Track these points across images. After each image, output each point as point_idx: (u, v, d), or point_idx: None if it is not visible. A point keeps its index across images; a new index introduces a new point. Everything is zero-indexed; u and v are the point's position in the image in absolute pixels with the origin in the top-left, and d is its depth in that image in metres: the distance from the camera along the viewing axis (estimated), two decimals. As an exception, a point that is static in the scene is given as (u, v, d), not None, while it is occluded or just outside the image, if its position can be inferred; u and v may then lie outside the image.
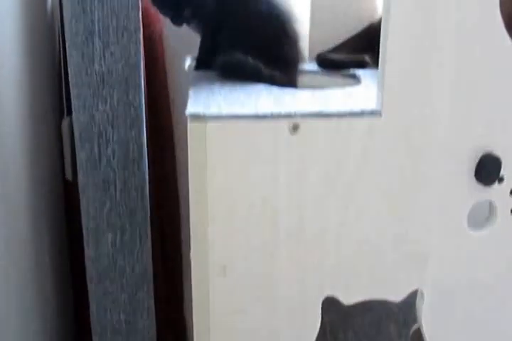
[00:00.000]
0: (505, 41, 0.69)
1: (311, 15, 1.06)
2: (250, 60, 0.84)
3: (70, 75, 0.90)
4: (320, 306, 0.77)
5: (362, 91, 0.82)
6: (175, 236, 1.16)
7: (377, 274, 0.76)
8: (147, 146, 0.96)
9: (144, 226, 0.97)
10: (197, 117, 0.70)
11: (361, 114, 0.71)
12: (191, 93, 0.80)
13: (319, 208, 0.73)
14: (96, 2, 0.84)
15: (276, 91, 0.81)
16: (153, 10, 1.07)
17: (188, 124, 0.71)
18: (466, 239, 0.76)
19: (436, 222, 0.75)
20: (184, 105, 0.76)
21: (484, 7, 0.67)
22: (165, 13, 0.90)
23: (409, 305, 0.82)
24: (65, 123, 1.06)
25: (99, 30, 0.85)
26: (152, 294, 1.02)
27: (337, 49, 1.02)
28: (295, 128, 0.70)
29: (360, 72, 0.93)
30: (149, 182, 0.98)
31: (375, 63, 0.73)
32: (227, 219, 0.73)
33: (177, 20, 0.89)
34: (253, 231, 0.74)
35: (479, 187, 0.73)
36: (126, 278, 0.98)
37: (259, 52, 0.85)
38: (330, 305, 0.77)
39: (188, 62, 0.96)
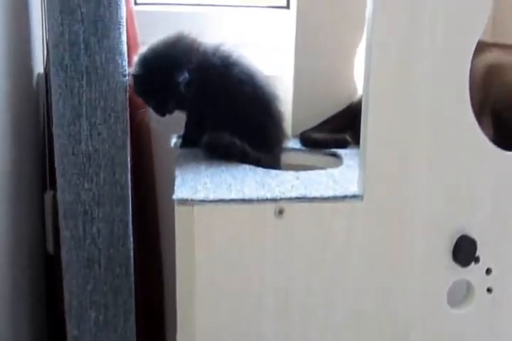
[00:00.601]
0: (476, 129, 0.73)
1: (293, 95, 1.10)
2: (237, 141, 0.87)
3: (55, 154, 0.91)
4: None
5: (344, 173, 0.84)
6: (159, 313, 1.15)
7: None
8: (132, 224, 0.97)
9: (129, 304, 0.96)
10: (184, 202, 0.71)
11: (344, 198, 0.73)
12: (177, 174, 0.82)
13: (306, 288, 0.74)
14: (84, 85, 0.86)
15: (261, 172, 0.83)
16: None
17: (176, 208, 0.72)
18: (446, 317, 0.78)
19: (417, 299, 0.77)
20: (169, 182, 0.78)
21: (458, 93, 0.72)
22: (149, 105, 0.93)
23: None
24: (47, 196, 1.07)
25: (86, 112, 0.87)
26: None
27: (319, 127, 1.06)
28: (280, 212, 0.72)
29: (341, 152, 0.97)
30: (134, 259, 0.98)
31: (356, 142, 0.76)
32: (215, 301, 0.74)
33: (161, 112, 0.92)
34: (240, 313, 0.74)
35: (457, 267, 0.75)
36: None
37: (245, 133, 0.88)
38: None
39: (174, 140, 0.98)
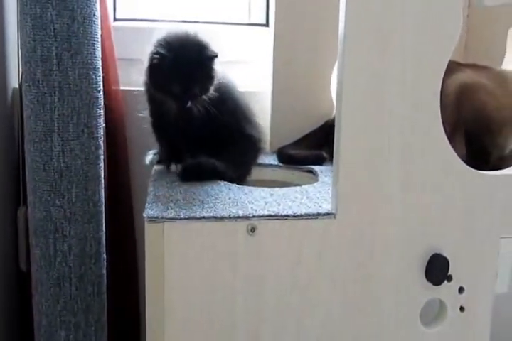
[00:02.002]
0: (448, 149, 0.73)
1: (271, 111, 1.10)
2: (217, 163, 0.86)
3: (26, 170, 0.90)
4: None
5: (319, 190, 0.84)
6: (135, 332, 1.13)
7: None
8: (107, 241, 0.96)
9: (100, 323, 0.95)
10: (154, 219, 0.70)
11: (316, 215, 0.72)
12: (150, 190, 0.81)
13: (278, 306, 0.73)
14: (56, 100, 0.86)
15: (235, 189, 0.83)
16: (116, 105, 1.11)
17: (146, 226, 0.71)
18: (419, 336, 0.77)
19: (390, 318, 0.76)
20: (146, 198, 0.77)
21: (429, 113, 0.72)
22: (172, 91, 0.87)
23: None
24: (20, 212, 1.05)
25: (58, 127, 0.86)
26: None
27: (296, 144, 1.06)
28: (253, 229, 0.71)
29: (317, 168, 0.97)
30: (108, 277, 0.96)
31: (332, 158, 0.76)
32: (185, 319, 0.72)
33: (186, 97, 0.87)
34: (211, 332, 0.73)
35: (430, 285, 0.75)
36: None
37: (222, 155, 0.87)
38: None
39: (149, 157, 0.97)
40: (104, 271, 0.95)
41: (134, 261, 1.12)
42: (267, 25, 1.36)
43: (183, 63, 0.86)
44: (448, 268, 0.75)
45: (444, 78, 0.71)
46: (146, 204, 0.75)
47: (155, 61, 0.86)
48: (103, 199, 0.94)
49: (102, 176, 0.93)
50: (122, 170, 1.08)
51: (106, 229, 0.97)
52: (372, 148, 0.71)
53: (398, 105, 0.71)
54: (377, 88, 0.70)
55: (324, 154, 1.01)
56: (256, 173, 1.00)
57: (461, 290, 0.76)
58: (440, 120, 0.72)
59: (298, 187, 0.86)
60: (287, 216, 0.72)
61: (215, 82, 0.89)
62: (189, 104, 0.87)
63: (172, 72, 0.86)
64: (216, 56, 0.89)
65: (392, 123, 0.71)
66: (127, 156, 1.10)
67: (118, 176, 1.07)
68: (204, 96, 0.87)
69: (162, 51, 0.85)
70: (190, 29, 0.92)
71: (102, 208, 0.93)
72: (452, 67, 0.75)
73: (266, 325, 0.74)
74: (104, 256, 0.95)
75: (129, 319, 1.11)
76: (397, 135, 0.71)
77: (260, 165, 1.00)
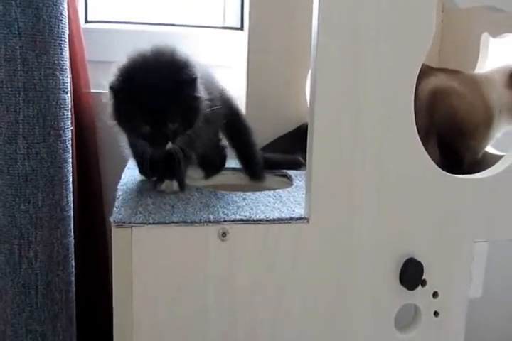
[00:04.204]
0: (422, 153, 0.73)
1: (246, 115, 1.09)
2: None
3: (-9, 174, 0.87)
4: None
5: (292, 194, 0.83)
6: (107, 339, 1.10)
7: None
8: (76, 247, 0.93)
9: (69, 332, 0.92)
10: (122, 224, 0.68)
11: (289, 220, 0.71)
12: (119, 194, 0.79)
13: (250, 312, 0.72)
14: (21, 101, 0.83)
15: (207, 193, 0.81)
16: (87, 108, 1.08)
17: (113, 231, 0.69)
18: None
19: (364, 323, 0.75)
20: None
21: (403, 117, 0.71)
22: (141, 132, 0.73)
23: None
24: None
25: (23, 130, 0.83)
26: None
27: (269, 147, 1.05)
28: (224, 234, 0.69)
29: (292, 173, 0.95)
30: (78, 284, 0.93)
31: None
32: (154, 326, 0.70)
33: (162, 139, 0.73)
34: (182, 336, 0.71)
35: (404, 290, 0.74)
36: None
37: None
38: None
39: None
40: (73, 278, 0.92)
41: (105, 268, 1.09)
42: (241, 28, 1.35)
43: (150, 95, 0.69)
44: (422, 273, 0.74)
45: (416, 82, 0.71)
46: (114, 209, 0.72)
47: (112, 96, 0.71)
48: (71, 204, 0.91)
49: (71, 180, 0.91)
50: (93, 174, 1.05)
51: (76, 234, 0.95)
52: (345, 153, 0.70)
53: (372, 109, 0.70)
54: (351, 92, 0.69)
55: (301, 159, 0.99)
56: (229, 177, 0.98)
57: (435, 294, 0.76)
58: (414, 124, 0.71)
59: (271, 192, 0.84)
60: (260, 220, 0.71)
61: (202, 111, 0.74)
62: (168, 146, 0.72)
63: (136, 109, 0.69)
64: (195, 78, 0.72)
65: (366, 128, 0.70)
66: (98, 160, 1.08)
67: (88, 180, 1.04)
68: (189, 131, 0.73)
69: (118, 83, 0.70)
70: (168, 45, 0.76)
71: (70, 213, 0.91)
72: (425, 71, 0.75)
73: (238, 331, 0.72)
74: (73, 262, 0.92)
75: (100, 328, 1.08)
76: (371, 139, 0.70)
77: (234, 169, 0.98)
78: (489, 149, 0.99)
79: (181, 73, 0.72)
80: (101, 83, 0.77)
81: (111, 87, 0.71)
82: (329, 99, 0.68)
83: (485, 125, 0.93)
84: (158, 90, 0.70)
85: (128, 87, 0.70)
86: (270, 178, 0.98)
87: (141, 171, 0.86)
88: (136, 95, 0.70)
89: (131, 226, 0.68)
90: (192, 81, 0.72)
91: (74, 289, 0.92)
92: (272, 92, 1.12)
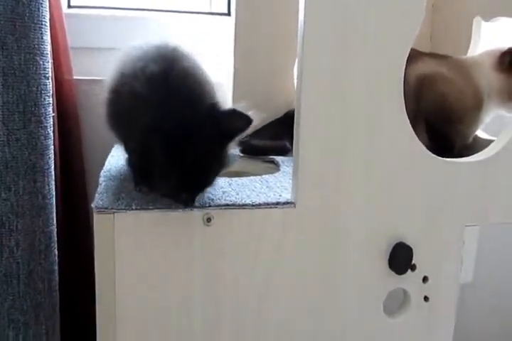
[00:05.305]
0: (412, 136, 0.71)
1: (232, 101, 1.07)
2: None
3: (-30, 162, 0.84)
4: None
5: (279, 180, 0.81)
6: (91, 330, 1.08)
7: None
8: (59, 235, 0.90)
9: (52, 321, 0.90)
10: (104, 210, 0.66)
11: (276, 204, 0.69)
12: (102, 180, 0.77)
13: (236, 297, 0.70)
14: (0, 87, 0.80)
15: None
16: (69, 95, 1.06)
17: (95, 217, 0.67)
18: (382, 326, 0.75)
19: (353, 308, 0.73)
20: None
21: (392, 104, 0.69)
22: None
23: None
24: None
25: (3, 116, 0.81)
26: None
27: (258, 134, 1.03)
28: (209, 219, 0.68)
29: (280, 159, 0.93)
30: (62, 273, 0.91)
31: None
32: (138, 314, 0.68)
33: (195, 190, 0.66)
34: (166, 326, 0.69)
35: (393, 275, 0.73)
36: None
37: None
38: None
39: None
40: (56, 267, 0.90)
41: (89, 257, 1.07)
42: (228, 14, 1.32)
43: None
44: (411, 257, 0.73)
45: (405, 67, 0.69)
46: (96, 195, 0.70)
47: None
48: (53, 192, 0.89)
49: (53, 168, 0.88)
50: (76, 162, 1.03)
51: (58, 222, 0.92)
52: (333, 136, 0.68)
53: (360, 94, 0.68)
54: (339, 76, 0.67)
55: (288, 145, 0.98)
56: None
57: (425, 279, 0.74)
58: (404, 107, 0.70)
59: (258, 177, 0.82)
60: (245, 205, 0.69)
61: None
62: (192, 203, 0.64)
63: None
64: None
65: (354, 113, 0.68)
66: (81, 148, 1.05)
67: (71, 168, 1.01)
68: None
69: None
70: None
71: (53, 201, 0.88)
72: (413, 56, 0.73)
73: (224, 318, 0.70)
74: (56, 251, 0.90)
75: (84, 317, 1.06)
76: (359, 123, 0.69)
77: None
78: (479, 133, 0.98)
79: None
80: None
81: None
82: (316, 85, 0.67)
83: (474, 110, 0.92)
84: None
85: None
86: (257, 164, 0.97)
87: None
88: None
89: (114, 212, 0.66)
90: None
91: (57, 278, 0.90)
92: (258, 79, 1.11)
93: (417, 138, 0.72)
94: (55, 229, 0.90)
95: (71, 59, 1.10)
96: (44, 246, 0.87)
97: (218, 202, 0.69)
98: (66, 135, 1.01)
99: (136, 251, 0.67)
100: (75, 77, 1.11)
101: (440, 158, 0.73)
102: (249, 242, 0.69)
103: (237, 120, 0.65)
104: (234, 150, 1.00)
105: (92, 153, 1.06)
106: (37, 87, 0.84)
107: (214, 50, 1.22)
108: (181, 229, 0.68)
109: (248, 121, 0.65)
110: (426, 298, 0.75)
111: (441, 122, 0.91)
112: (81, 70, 1.13)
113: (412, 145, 0.72)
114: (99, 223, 0.67)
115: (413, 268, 0.73)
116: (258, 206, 0.69)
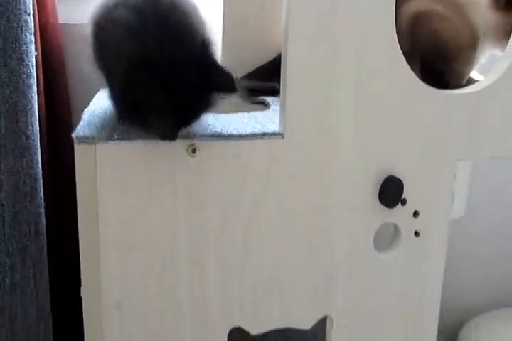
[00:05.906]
0: (404, 67, 0.69)
1: (223, 44, 1.04)
2: None
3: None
4: (226, 337, 0.72)
5: (268, 116, 0.79)
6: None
7: (285, 302, 0.72)
8: (45, 178, 0.88)
9: (40, 265, 0.89)
10: (85, 140, 0.64)
11: (263, 135, 0.67)
12: (86, 111, 0.75)
13: (222, 232, 0.69)
14: (-21, 22, 0.78)
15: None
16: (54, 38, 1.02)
17: (75, 147, 0.65)
18: (372, 262, 0.74)
19: (342, 243, 0.72)
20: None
21: (384, 39, 0.67)
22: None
23: (319, 332, 0.77)
24: None
25: (-18, 53, 0.79)
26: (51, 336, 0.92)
27: (249, 76, 1.01)
28: (194, 150, 0.66)
29: (270, 99, 0.91)
30: (49, 216, 0.89)
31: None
32: (122, 251, 0.67)
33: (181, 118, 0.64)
34: (150, 261, 0.68)
35: (383, 209, 0.71)
36: (22, 322, 0.89)
37: None
38: (237, 335, 0.72)
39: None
40: (43, 210, 0.89)
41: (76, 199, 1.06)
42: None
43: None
44: (402, 191, 0.71)
45: (399, 5, 0.67)
46: (78, 126, 0.68)
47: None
48: (37, 133, 0.86)
49: (36, 108, 0.86)
50: (62, 105, 1.00)
51: (44, 166, 0.91)
52: (323, 65, 0.66)
53: (350, 25, 0.65)
54: (328, 13, 0.64)
55: (277, 86, 0.95)
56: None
57: (415, 214, 0.73)
58: (395, 36, 0.67)
59: (246, 113, 0.80)
60: (231, 136, 0.67)
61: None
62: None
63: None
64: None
65: (344, 44, 0.66)
66: (68, 90, 1.02)
67: (58, 111, 0.99)
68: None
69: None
70: None
71: (37, 142, 0.86)
72: None
73: (210, 254, 0.69)
74: (42, 194, 0.88)
75: (73, 262, 1.06)
76: (350, 55, 0.66)
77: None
78: (474, 75, 0.95)
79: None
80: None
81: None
82: (305, 19, 0.64)
83: (470, 48, 0.90)
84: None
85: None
86: (247, 106, 0.94)
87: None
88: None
89: (95, 143, 0.65)
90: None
91: (44, 221, 0.89)
92: (249, 21, 1.07)
93: (409, 67, 0.69)
94: (41, 172, 0.88)
95: (56, 4, 1.06)
96: (29, 188, 0.85)
97: (203, 132, 0.67)
98: (51, 77, 0.98)
99: (118, 183, 0.66)
100: (60, 22, 1.07)
101: (432, 87, 0.71)
102: (235, 174, 0.67)
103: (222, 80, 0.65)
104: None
105: (78, 97, 1.03)
106: (17, 23, 0.81)
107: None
108: (165, 161, 0.66)
109: (233, 86, 0.65)
110: (417, 233, 0.73)
111: (436, 60, 0.89)
112: (67, 17, 1.09)
113: (404, 75, 0.69)
114: (80, 155, 0.65)
115: (403, 202, 0.72)
116: (245, 137, 0.67)
